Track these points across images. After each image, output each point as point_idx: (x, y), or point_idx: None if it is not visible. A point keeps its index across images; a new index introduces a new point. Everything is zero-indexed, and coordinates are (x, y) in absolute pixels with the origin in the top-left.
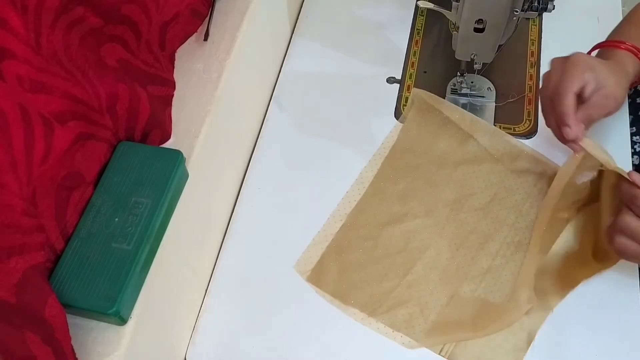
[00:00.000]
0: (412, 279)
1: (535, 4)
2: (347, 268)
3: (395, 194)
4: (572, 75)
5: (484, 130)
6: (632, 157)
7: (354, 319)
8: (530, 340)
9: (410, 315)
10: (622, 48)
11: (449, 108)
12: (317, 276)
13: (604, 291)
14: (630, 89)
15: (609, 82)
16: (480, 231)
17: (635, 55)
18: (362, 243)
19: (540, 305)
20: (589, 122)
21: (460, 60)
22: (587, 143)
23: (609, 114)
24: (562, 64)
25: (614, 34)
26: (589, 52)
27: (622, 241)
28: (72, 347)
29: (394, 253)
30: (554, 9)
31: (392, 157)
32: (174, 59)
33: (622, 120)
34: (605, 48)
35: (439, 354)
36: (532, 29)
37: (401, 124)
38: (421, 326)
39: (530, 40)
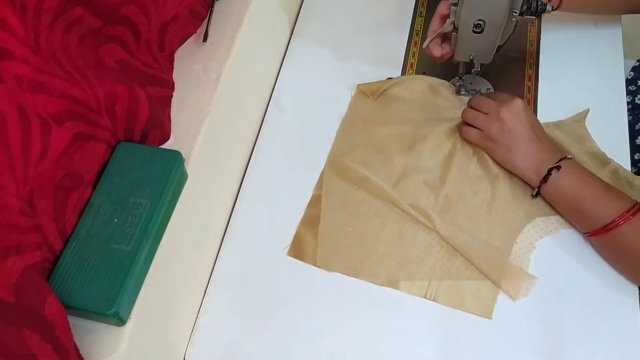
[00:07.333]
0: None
1: (534, 6)
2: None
3: (356, 159)
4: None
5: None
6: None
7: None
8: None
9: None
10: None
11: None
12: (297, 250)
13: (602, 292)
14: None
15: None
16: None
17: None
18: (334, 212)
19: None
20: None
21: (459, 61)
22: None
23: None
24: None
25: None
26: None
27: (466, 129)
28: (74, 344)
29: (370, 215)
30: (552, 9)
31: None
32: (173, 60)
33: (621, 111)
34: None
35: (424, 296)
36: (531, 30)
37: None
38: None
39: (529, 41)
